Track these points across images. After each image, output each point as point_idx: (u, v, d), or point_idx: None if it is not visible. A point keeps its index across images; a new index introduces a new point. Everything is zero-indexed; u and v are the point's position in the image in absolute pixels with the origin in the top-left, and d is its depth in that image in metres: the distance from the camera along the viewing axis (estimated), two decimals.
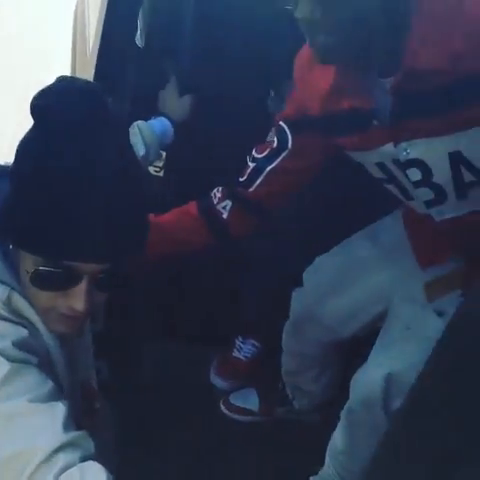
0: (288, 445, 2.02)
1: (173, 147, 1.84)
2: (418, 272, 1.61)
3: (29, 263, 1.00)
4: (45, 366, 1.06)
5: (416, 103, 1.30)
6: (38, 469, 0.91)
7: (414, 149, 1.38)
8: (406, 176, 1.44)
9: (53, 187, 0.95)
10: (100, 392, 1.34)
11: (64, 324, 1.07)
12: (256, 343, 2.27)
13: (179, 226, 1.64)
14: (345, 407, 1.64)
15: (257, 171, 1.59)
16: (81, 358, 1.22)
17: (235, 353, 2.28)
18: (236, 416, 2.18)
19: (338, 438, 1.66)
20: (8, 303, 1.03)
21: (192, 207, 1.65)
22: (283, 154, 1.56)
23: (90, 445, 0.98)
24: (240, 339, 2.29)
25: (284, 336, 1.95)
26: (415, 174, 1.41)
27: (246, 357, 2.27)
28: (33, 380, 0.99)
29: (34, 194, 0.97)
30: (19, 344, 1.01)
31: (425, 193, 1.44)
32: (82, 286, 1.01)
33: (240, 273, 2.19)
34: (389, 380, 1.50)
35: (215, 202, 1.63)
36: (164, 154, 1.91)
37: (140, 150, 1.65)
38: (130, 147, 1.06)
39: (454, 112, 1.29)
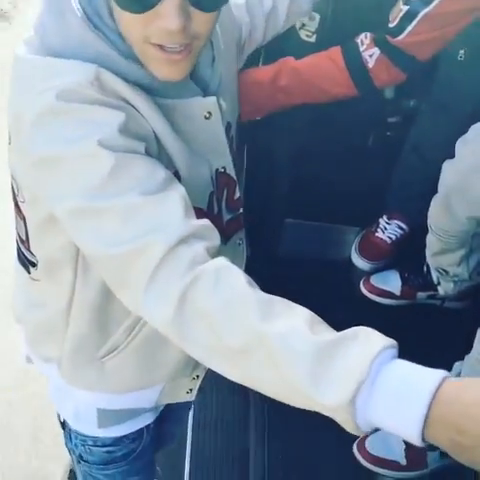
0: (430, 331, 1.94)
1: (327, 10, 1.69)
2: None
3: None
4: (156, 154, 0.99)
5: None
6: (162, 263, 0.85)
7: None
8: None
9: None
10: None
11: (164, 63, 0.94)
12: (401, 224, 2.16)
13: (320, 73, 1.47)
14: None
15: (410, 15, 1.38)
16: (209, 143, 1.10)
17: (379, 233, 2.18)
18: (376, 298, 2.11)
19: None
20: (98, 84, 0.92)
21: (336, 54, 1.47)
22: None
23: (216, 236, 0.92)
24: (385, 219, 2.18)
25: (431, 213, 1.80)
26: None
27: (390, 238, 2.17)
28: (143, 170, 0.91)
29: None
30: (123, 130, 0.91)
31: None
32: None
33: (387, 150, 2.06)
34: None
35: (361, 49, 1.45)
36: (318, 17, 1.76)
37: None
38: None
39: None
